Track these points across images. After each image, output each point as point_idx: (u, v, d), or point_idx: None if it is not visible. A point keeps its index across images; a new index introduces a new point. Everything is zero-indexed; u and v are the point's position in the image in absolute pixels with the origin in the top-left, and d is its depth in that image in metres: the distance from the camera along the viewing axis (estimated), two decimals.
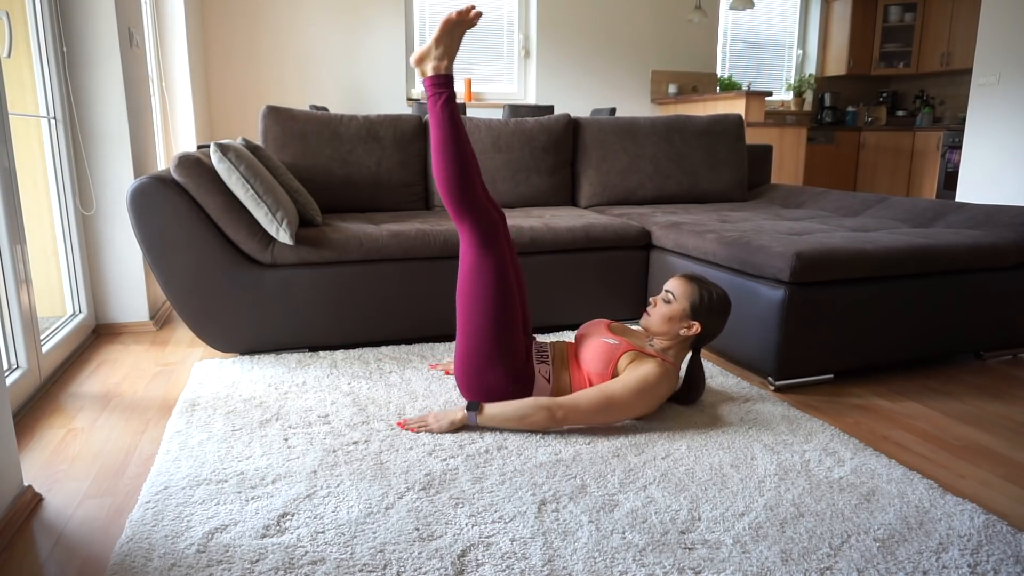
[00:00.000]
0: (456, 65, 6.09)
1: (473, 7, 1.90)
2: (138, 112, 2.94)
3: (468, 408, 1.86)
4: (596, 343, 1.94)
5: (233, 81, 5.48)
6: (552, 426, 1.84)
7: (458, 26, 1.90)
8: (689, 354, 2.06)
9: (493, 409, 1.84)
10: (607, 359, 1.90)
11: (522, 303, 2.09)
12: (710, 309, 1.95)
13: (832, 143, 7.15)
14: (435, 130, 1.90)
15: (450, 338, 2.74)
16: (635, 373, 1.86)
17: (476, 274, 1.90)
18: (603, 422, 1.87)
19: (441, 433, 1.85)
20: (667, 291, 1.99)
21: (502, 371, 1.89)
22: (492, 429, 1.87)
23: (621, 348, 1.92)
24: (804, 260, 2.10)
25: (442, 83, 1.92)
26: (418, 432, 1.85)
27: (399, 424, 1.90)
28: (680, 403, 2.07)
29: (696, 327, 1.95)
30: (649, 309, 2.01)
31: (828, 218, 2.97)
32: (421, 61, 1.93)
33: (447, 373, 2.30)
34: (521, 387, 1.91)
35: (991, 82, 4.88)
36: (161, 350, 2.64)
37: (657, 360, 1.90)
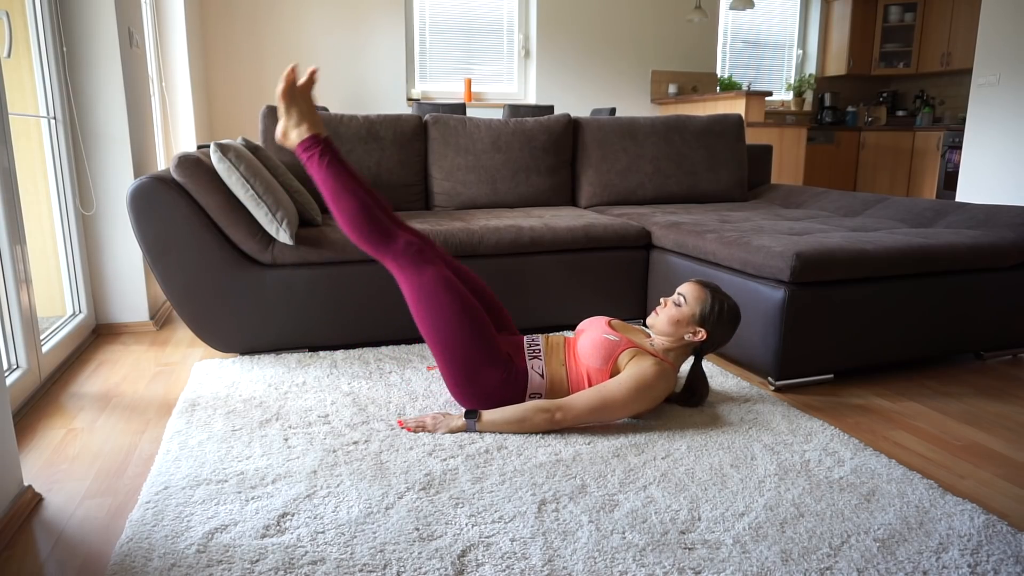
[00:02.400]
0: (456, 65, 6.09)
1: (295, 67, 1.98)
2: (138, 112, 2.94)
3: (467, 416, 1.85)
4: (596, 339, 1.94)
5: (233, 81, 5.48)
6: (552, 428, 1.84)
7: (295, 89, 1.98)
8: (691, 359, 2.05)
9: (492, 415, 1.84)
10: (607, 355, 1.90)
11: (489, 303, 2.10)
12: (719, 319, 1.95)
13: (832, 143, 7.15)
14: (323, 188, 1.97)
15: None
16: (632, 372, 1.86)
17: (423, 297, 1.90)
18: (601, 421, 1.87)
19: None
20: (679, 294, 1.99)
21: (490, 374, 1.88)
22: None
23: (622, 345, 1.92)
24: (804, 260, 2.10)
25: (311, 144, 1.99)
26: (415, 432, 1.85)
27: (399, 422, 1.90)
28: (682, 405, 2.07)
29: (702, 334, 1.95)
30: (658, 309, 2.01)
31: (828, 218, 2.97)
32: (286, 136, 2.02)
33: None
34: (514, 384, 1.90)
35: (991, 82, 4.88)
36: (161, 350, 2.64)
37: (656, 359, 1.90)
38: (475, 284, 2.11)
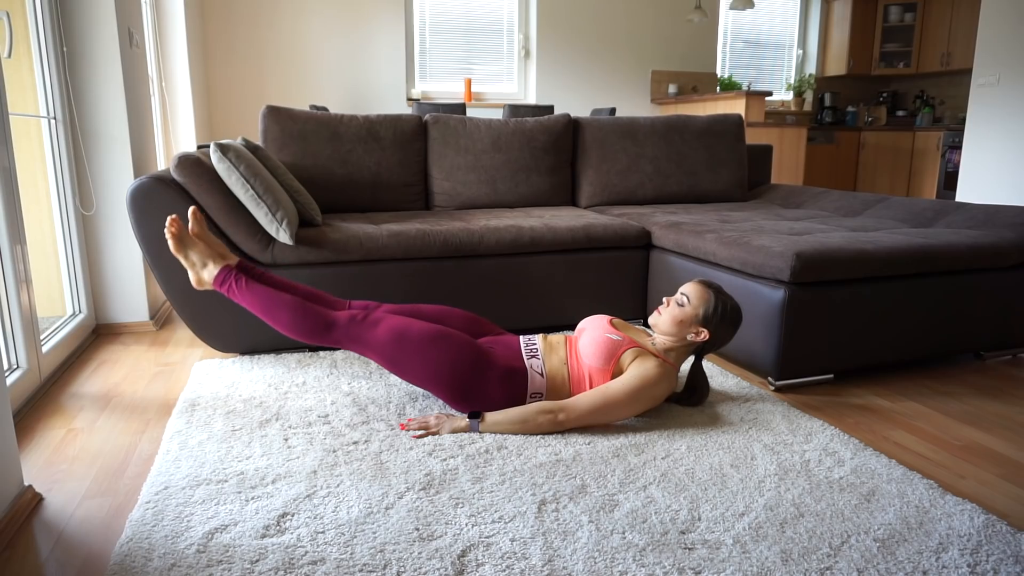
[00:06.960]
0: (456, 65, 6.09)
1: (174, 218, 1.98)
2: (138, 112, 2.94)
3: (471, 416, 1.86)
4: (598, 338, 1.94)
5: (233, 81, 5.48)
6: (555, 429, 1.84)
7: (184, 238, 2.00)
8: (691, 359, 2.06)
9: (496, 416, 1.84)
10: (609, 355, 1.90)
11: (457, 321, 2.10)
12: (722, 319, 1.95)
13: (832, 143, 7.15)
14: (253, 310, 1.99)
15: None
16: (636, 372, 1.86)
17: (389, 348, 1.90)
18: (603, 421, 1.87)
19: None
20: (682, 294, 1.99)
21: (483, 384, 1.88)
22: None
23: (624, 344, 1.92)
24: (804, 260, 2.10)
25: (224, 277, 2.00)
26: (420, 437, 1.84)
27: (401, 426, 1.89)
28: (683, 405, 2.07)
29: (705, 334, 1.95)
30: (661, 308, 2.01)
31: (828, 218, 2.97)
32: (200, 283, 2.04)
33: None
34: (514, 385, 1.90)
35: (991, 82, 4.88)
36: (161, 350, 2.64)
37: (659, 360, 1.90)
38: (436, 313, 2.11)
